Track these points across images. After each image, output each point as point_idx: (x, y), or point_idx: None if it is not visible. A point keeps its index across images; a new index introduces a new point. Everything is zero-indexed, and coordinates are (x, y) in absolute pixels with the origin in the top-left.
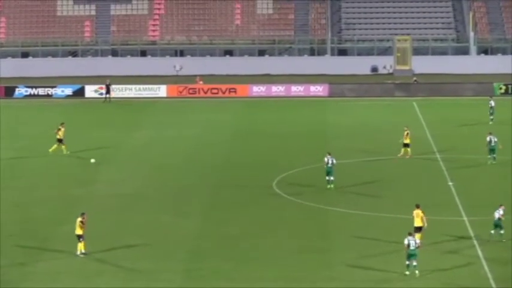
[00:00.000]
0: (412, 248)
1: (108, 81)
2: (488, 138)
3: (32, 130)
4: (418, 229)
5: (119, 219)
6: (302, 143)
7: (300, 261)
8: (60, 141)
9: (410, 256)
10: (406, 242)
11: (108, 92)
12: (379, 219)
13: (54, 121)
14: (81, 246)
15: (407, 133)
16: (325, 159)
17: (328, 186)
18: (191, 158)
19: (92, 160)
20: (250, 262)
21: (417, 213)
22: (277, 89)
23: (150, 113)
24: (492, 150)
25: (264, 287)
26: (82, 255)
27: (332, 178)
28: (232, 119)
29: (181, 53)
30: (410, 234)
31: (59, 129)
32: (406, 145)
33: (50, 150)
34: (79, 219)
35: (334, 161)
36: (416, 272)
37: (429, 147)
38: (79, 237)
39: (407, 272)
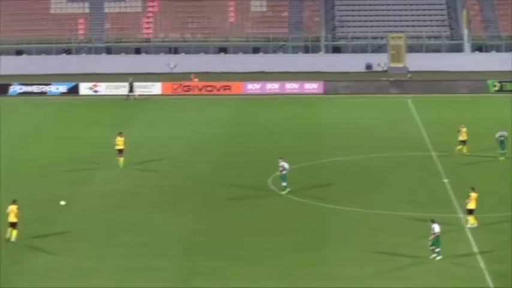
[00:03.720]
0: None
1: (130, 79)
2: (498, 134)
3: (26, 128)
4: (471, 211)
5: (112, 217)
6: (296, 140)
7: (295, 259)
8: (120, 151)
9: (436, 242)
10: (437, 229)
11: (131, 89)
12: (373, 216)
13: (48, 119)
14: (15, 234)
15: (464, 130)
16: (281, 164)
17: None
18: (185, 155)
19: (62, 202)
20: (245, 260)
21: (474, 196)
22: (272, 86)
23: (144, 110)
24: (502, 146)
25: (258, 285)
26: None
27: (285, 184)
28: (227, 116)
29: (176, 51)
30: (433, 221)
31: (116, 139)
32: (463, 142)
33: (120, 165)
34: (15, 206)
35: (287, 166)
36: (438, 257)
37: (424, 144)
38: (13, 224)
39: (434, 256)
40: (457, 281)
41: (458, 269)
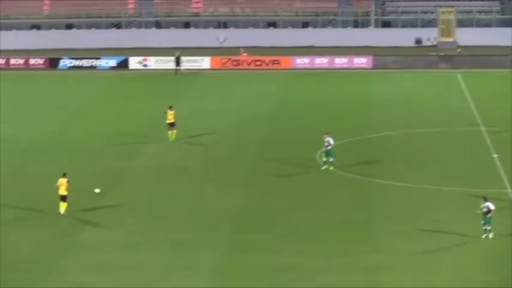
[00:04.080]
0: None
1: (177, 53)
2: None
3: (76, 102)
4: None
5: (161, 191)
6: (345, 115)
7: (343, 234)
8: (171, 125)
9: (488, 220)
10: (492, 207)
11: (178, 64)
12: (421, 191)
13: (98, 93)
14: (65, 206)
15: None
16: (326, 139)
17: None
18: (234, 130)
19: (97, 190)
20: (293, 234)
21: None
22: (321, 61)
23: (193, 85)
24: None
25: (307, 260)
26: (63, 213)
27: (332, 159)
28: (276, 91)
29: (225, 25)
30: (485, 199)
31: (166, 113)
32: None
33: (170, 139)
34: (65, 179)
35: (332, 142)
36: (491, 235)
37: (473, 120)
38: (64, 197)
39: (486, 235)
40: (507, 260)
41: (507, 247)
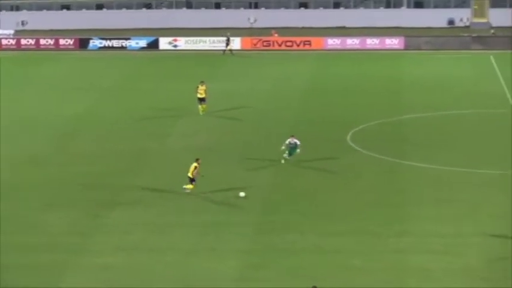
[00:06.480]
0: None
1: (228, 34)
2: None
3: (106, 82)
4: None
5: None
6: (377, 96)
7: (373, 216)
8: (201, 100)
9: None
10: (298, 142)
11: (228, 44)
12: (453, 173)
13: (128, 73)
14: (190, 186)
15: None
16: (293, 141)
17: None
18: (264, 111)
19: (242, 194)
20: (323, 216)
21: None
22: (353, 42)
23: (223, 65)
24: None
25: (336, 241)
26: (187, 191)
27: (288, 156)
28: (307, 72)
29: (256, 5)
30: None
31: (197, 87)
32: None
33: (200, 113)
34: (194, 164)
35: (299, 142)
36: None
37: (505, 102)
38: (190, 179)
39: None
40: None
41: None
